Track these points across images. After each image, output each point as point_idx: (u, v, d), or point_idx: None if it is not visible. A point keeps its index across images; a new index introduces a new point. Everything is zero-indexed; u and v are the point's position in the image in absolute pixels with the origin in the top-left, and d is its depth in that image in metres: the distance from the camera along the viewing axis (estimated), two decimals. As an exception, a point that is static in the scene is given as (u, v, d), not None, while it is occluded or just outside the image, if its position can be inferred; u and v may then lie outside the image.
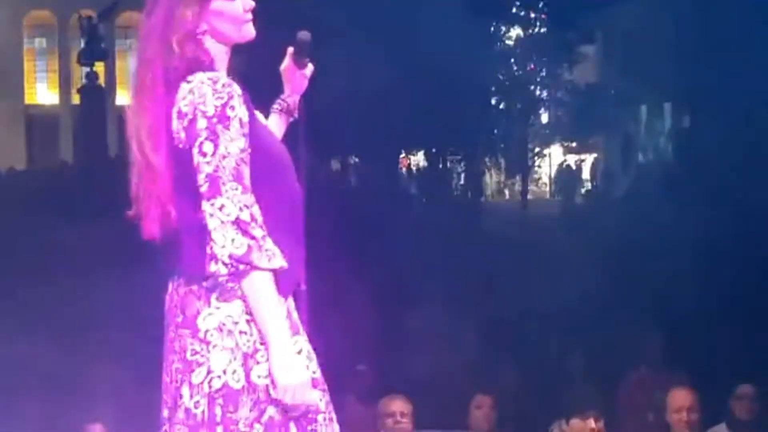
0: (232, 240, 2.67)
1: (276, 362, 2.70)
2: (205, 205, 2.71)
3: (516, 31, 34.58)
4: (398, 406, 6.11)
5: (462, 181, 34.66)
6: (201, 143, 2.73)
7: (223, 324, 2.74)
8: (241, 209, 2.70)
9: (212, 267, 2.69)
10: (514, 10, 33.77)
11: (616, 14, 33.92)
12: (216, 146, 2.72)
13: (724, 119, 25.62)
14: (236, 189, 2.70)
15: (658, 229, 14.37)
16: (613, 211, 22.23)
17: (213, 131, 2.72)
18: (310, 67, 3.22)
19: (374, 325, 8.71)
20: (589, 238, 15.23)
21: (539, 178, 38.49)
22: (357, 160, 30.86)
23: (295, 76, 3.22)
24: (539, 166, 38.53)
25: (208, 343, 2.74)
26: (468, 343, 9.35)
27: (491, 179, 37.36)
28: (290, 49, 3.19)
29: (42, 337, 8.79)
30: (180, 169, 2.79)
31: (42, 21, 48.27)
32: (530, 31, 34.42)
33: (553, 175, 38.64)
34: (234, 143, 2.73)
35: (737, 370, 7.06)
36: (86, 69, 24.42)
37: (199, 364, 2.74)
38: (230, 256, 2.66)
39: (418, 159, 36.25)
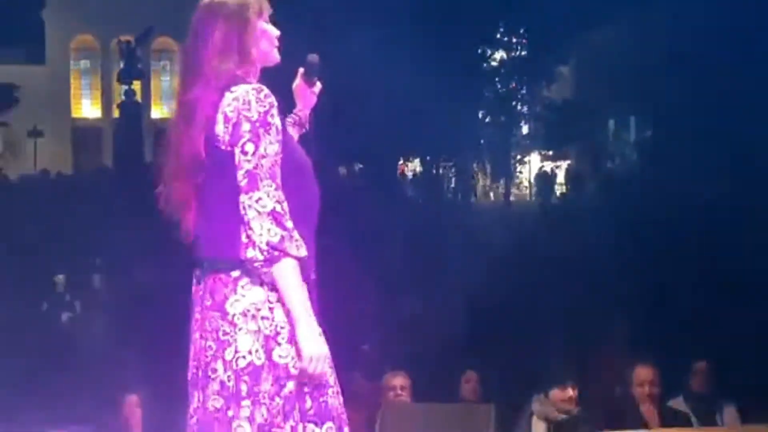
0: (269, 229, 2.70)
1: (302, 336, 2.73)
2: (244, 198, 2.73)
3: (500, 54, 34.61)
4: (399, 381, 6.10)
5: (453, 185, 34.72)
6: (244, 143, 2.75)
7: (248, 310, 2.75)
8: (276, 203, 2.73)
9: (249, 253, 2.72)
10: (498, 36, 33.81)
11: (587, 40, 33.95)
12: (257, 147, 2.75)
13: (681, 131, 25.65)
14: (271, 185, 2.74)
15: (622, 225, 14.38)
16: (584, 211, 22.21)
17: (255, 134, 2.75)
18: (318, 86, 3.21)
19: (376, 310, 8.68)
20: (564, 234, 15.23)
21: (520, 182, 38.56)
22: (361, 165, 30.89)
23: (306, 94, 3.22)
24: (520, 172, 38.65)
25: (235, 326, 2.75)
26: (458, 326, 9.34)
27: (478, 183, 37.38)
28: (301, 70, 3.19)
29: (87, 314, 8.78)
30: (216, 169, 2.81)
31: (86, 45, 48.30)
32: (512, 54, 34.48)
33: (532, 180, 38.67)
34: (271, 146, 2.77)
35: (693, 350, 7.02)
36: (125, 87, 24.44)
37: (230, 344, 2.75)
38: (267, 243, 2.69)
39: (415, 165, 36.32)
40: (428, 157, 34.25)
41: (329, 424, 2.79)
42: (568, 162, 38.56)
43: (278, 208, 2.73)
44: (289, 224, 2.74)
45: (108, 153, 38.41)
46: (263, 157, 2.75)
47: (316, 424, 2.77)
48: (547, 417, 5.88)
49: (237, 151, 2.75)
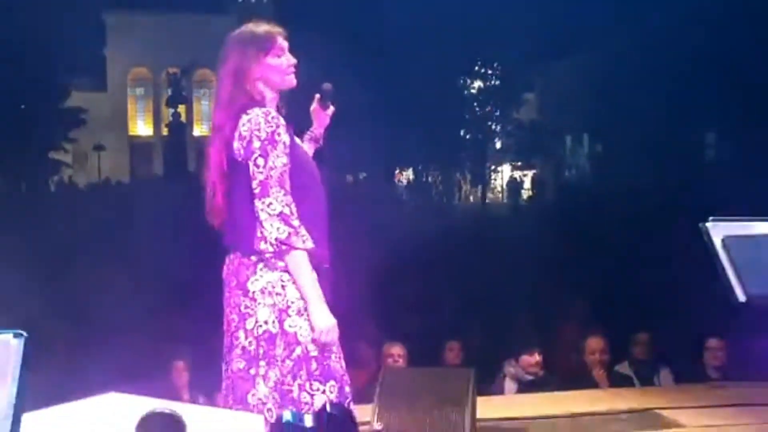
0: (278, 228, 2.74)
1: (313, 312, 2.77)
2: (258, 203, 2.76)
3: (477, 84, 34.61)
4: (396, 349, 6.10)
5: (439, 189, 34.70)
6: (256, 158, 2.77)
7: (265, 287, 2.78)
8: (283, 206, 2.75)
9: (262, 246, 2.76)
10: (476, 69, 33.86)
11: (549, 72, 34.03)
12: (266, 161, 2.77)
13: (623, 147, 25.68)
14: (280, 191, 2.76)
15: (577, 221, 14.43)
16: (546, 210, 22.23)
17: (264, 150, 2.77)
18: (331, 109, 3.20)
19: (377, 293, 8.66)
20: (530, 228, 15.23)
21: (494, 188, 38.54)
22: (365, 174, 30.90)
23: (321, 115, 3.21)
24: (494, 179, 38.65)
25: (255, 301, 2.78)
26: (444, 305, 9.33)
27: (460, 188, 37.33)
28: (317, 96, 3.19)
29: (138, 294, 8.74)
30: (236, 178, 2.83)
31: (141, 76, 48.31)
32: (487, 83, 34.49)
33: (504, 185, 38.65)
34: (279, 159, 2.78)
35: (635, 323, 7.00)
36: (172, 110, 24.48)
37: (250, 316, 2.78)
38: (276, 239, 2.74)
39: (409, 174, 36.32)
40: (419, 167, 34.37)
41: (332, 382, 2.80)
42: (534, 171, 38.58)
43: (286, 210, 2.75)
44: (296, 222, 2.75)
45: (158, 164, 38.50)
46: (272, 168, 2.76)
47: (320, 382, 2.78)
48: (518, 378, 5.90)
49: (251, 164, 2.77)
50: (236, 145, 2.80)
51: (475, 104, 34.51)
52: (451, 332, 7.43)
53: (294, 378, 2.76)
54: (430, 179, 34.78)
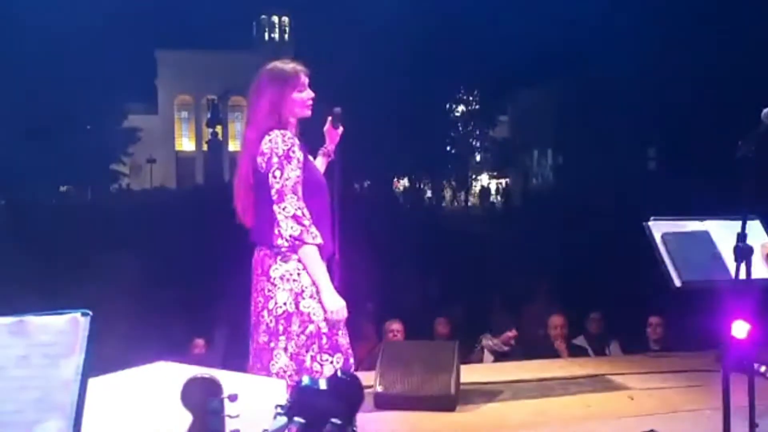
0: (291, 227, 2.76)
1: (325, 297, 2.77)
2: (275, 207, 2.78)
3: (460, 107, 34.63)
4: (395, 325, 6.07)
5: (429, 195, 34.72)
6: (274, 171, 2.79)
7: (283, 275, 2.78)
8: (296, 209, 2.77)
9: (279, 242, 2.77)
10: (459, 95, 33.90)
11: (519, 97, 34.04)
12: (282, 172, 2.78)
13: (582, 159, 25.65)
14: (293, 197, 2.77)
15: (543, 221, 14.39)
16: (517, 212, 22.21)
17: (281, 164, 2.79)
18: (341, 129, 3.18)
19: (380, 278, 8.64)
20: (504, 227, 15.23)
21: (475, 193, 38.48)
22: (369, 182, 30.87)
23: (332, 134, 3.19)
24: (475, 186, 38.62)
25: (275, 286, 2.78)
26: (434, 289, 9.32)
27: (446, 194, 37.30)
28: (329, 118, 3.17)
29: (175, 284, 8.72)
30: (260, 186, 2.85)
31: (185, 102, 48.28)
32: (469, 107, 34.50)
33: (482, 192, 38.63)
34: (293, 172, 2.79)
35: (590, 304, 6.97)
36: (211, 130, 24.40)
37: (271, 298, 2.79)
38: (290, 236, 2.75)
39: (404, 182, 36.28)
40: (413, 176, 34.33)
41: (338, 355, 2.81)
42: (506, 180, 38.58)
43: (298, 212, 2.76)
44: (307, 222, 2.76)
45: (200, 175, 38.43)
46: (287, 179, 2.77)
47: (329, 354, 2.79)
48: (494, 350, 5.89)
49: (270, 175, 2.78)
50: (259, 160, 2.82)
51: (459, 124, 34.57)
52: (440, 311, 7.43)
53: (307, 350, 2.77)
54: (422, 186, 34.84)
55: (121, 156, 32.72)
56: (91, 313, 1.61)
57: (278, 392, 2.57)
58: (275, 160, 2.79)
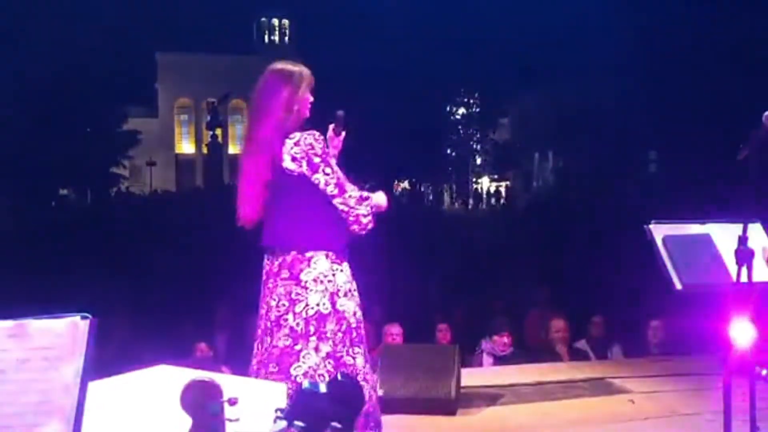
0: (366, 205, 2.86)
1: (378, 198, 2.93)
2: (338, 200, 2.83)
3: (461, 110, 34.65)
4: (395, 329, 6.05)
5: (430, 197, 34.71)
6: (323, 169, 2.81)
7: (317, 277, 2.79)
8: (357, 192, 2.88)
9: (360, 224, 2.86)
10: (460, 98, 33.92)
11: (520, 100, 34.02)
12: (331, 168, 2.84)
13: (584, 161, 25.66)
14: (350, 186, 2.87)
15: (544, 223, 14.37)
16: (518, 214, 22.19)
17: (326, 161, 2.83)
18: (343, 134, 3.19)
19: (380, 282, 8.62)
20: (505, 229, 15.21)
21: (476, 196, 38.54)
22: (369, 185, 30.90)
23: (335, 139, 3.19)
24: (476, 189, 38.63)
25: (306, 289, 2.78)
26: (435, 294, 9.30)
27: (447, 197, 37.32)
28: (332, 125, 3.16)
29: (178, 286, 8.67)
30: (288, 188, 2.83)
31: (185, 104, 48.39)
32: (470, 110, 34.52)
33: (483, 195, 38.64)
34: (335, 166, 2.87)
35: (592, 307, 6.94)
36: (211, 132, 24.32)
37: (300, 301, 2.78)
38: (371, 209, 2.87)
39: (405, 185, 36.32)
40: (413, 179, 34.30)
41: (363, 347, 2.88)
42: (507, 182, 38.60)
43: (356, 191, 2.87)
44: (364, 193, 2.89)
45: (199, 177, 38.45)
46: (335, 172, 2.84)
47: (358, 346, 2.85)
48: (493, 353, 5.88)
49: (319, 175, 2.80)
50: (292, 165, 2.79)
51: (460, 127, 34.66)
52: (440, 314, 7.41)
53: (344, 346, 2.81)
54: (422, 189, 34.84)
55: (120, 159, 32.74)
56: (90, 316, 1.62)
57: (278, 396, 2.57)
58: (317, 160, 2.81)
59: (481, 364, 5.79)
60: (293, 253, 2.82)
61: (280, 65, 2.97)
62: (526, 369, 5.22)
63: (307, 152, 2.79)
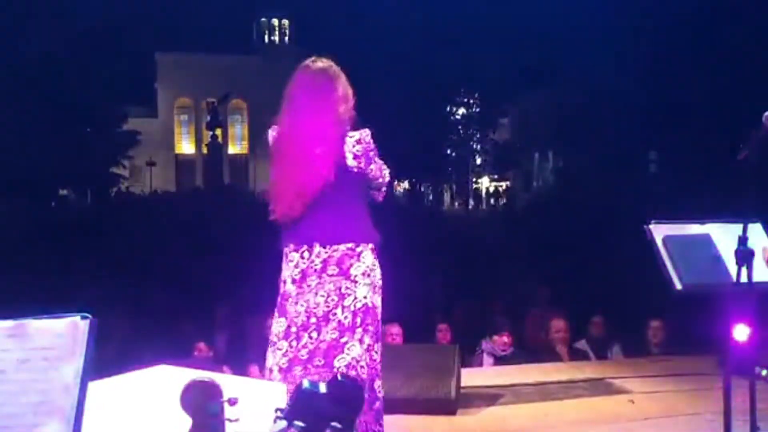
0: (392, 182, 3.06)
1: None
2: (384, 181, 3.00)
3: (461, 111, 34.63)
4: (395, 329, 6.03)
5: (430, 197, 34.70)
6: (375, 160, 2.92)
7: (365, 271, 2.82)
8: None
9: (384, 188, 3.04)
10: (460, 98, 33.90)
11: (520, 99, 34.01)
12: (383, 161, 2.96)
13: (584, 161, 25.65)
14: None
15: (544, 225, 14.36)
16: (518, 214, 22.18)
17: (376, 152, 2.93)
18: None
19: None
20: (505, 229, 15.21)
21: (476, 196, 38.57)
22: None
23: None
24: (476, 189, 38.63)
25: (355, 282, 2.80)
26: (435, 293, 9.29)
27: (447, 197, 37.32)
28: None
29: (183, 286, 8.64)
30: (348, 185, 2.85)
31: (185, 104, 48.36)
32: (469, 110, 34.50)
33: (483, 195, 38.63)
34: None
35: (592, 307, 6.96)
36: (210, 132, 24.30)
37: (349, 295, 2.79)
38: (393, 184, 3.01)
39: (405, 185, 36.31)
40: (413, 179, 34.27)
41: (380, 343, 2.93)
42: (507, 182, 38.60)
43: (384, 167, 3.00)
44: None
45: (199, 177, 38.42)
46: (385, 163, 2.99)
47: (379, 344, 2.88)
48: (493, 353, 5.88)
49: (373, 166, 2.90)
50: (353, 163, 2.84)
51: (460, 127, 34.64)
52: (440, 314, 7.40)
53: (375, 341, 2.85)
54: (422, 189, 34.82)
55: (120, 159, 32.74)
56: (90, 316, 1.62)
57: (278, 396, 2.57)
58: (372, 153, 2.90)
59: (481, 364, 5.79)
60: (342, 247, 2.82)
61: (322, 62, 2.96)
62: (526, 369, 5.22)
63: (366, 150, 2.86)
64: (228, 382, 2.36)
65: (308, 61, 2.98)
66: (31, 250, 11.16)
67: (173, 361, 2.90)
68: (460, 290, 9.11)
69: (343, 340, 2.78)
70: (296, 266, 2.84)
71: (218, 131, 25.06)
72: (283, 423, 1.63)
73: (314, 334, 2.81)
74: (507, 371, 5.20)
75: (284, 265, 2.89)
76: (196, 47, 43.95)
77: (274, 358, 2.83)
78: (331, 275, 2.81)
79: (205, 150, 31.27)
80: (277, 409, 1.66)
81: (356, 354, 2.77)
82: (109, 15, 26.31)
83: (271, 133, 2.96)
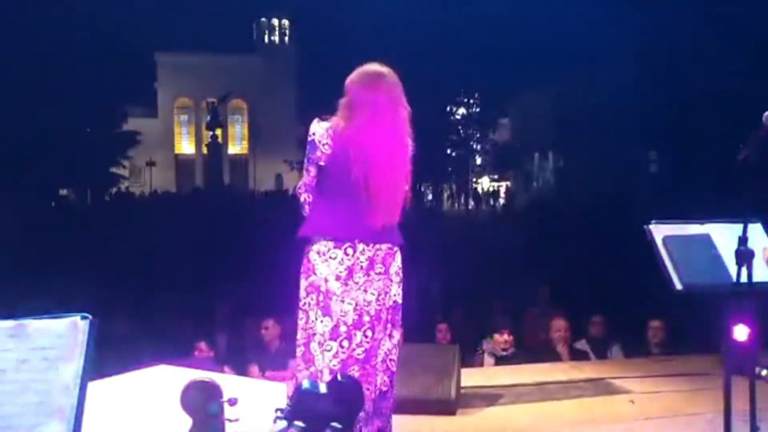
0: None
1: None
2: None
3: (461, 110, 34.61)
4: (394, 329, 6.02)
5: (430, 197, 34.71)
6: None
7: (397, 270, 2.86)
8: None
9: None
10: (460, 98, 33.88)
11: (520, 100, 34.03)
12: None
13: (584, 162, 25.66)
14: None
15: (544, 225, 14.37)
16: (518, 214, 22.19)
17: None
18: None
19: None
20: (504, 229, 15.21)
21: (475, 196, 38.55)
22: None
23: None
24: (476, 189, 38.63)
25: (391, 281, 2.83)
26: (435, 294, 9.29)
27: (447, 197, 37.32)
28: None
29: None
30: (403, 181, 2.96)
31: (185, 104, 48.38)
32: (470, 110, 34.48)
33: (483, 194, 38.64)
34: None
35: (592, 307, 6.96)
36: (210, 132, 24.36)
37: (388, 293, 2.81)
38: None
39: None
40: (413, 179, 34.35)
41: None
42: (507, 183, 38.61)
43: None
44: None
45: (199, 177, 38.46)
46: None
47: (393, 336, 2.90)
48: (493, 353, 5.88)
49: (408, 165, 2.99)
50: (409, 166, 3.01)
51: (460, 128, 34.59)
52: (440, 314, 7.39)
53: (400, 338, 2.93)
54: (422, 189, 34.82)
55: (120, 159, 32.74)
56: (90, 316, 1.62)
57: (278, 396, 2.57)
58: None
59: (481, 364, 5.79)
60: (384, 247, 2.83)
61: (383, 67, 3.00)
62: (526, 369, 5.22)
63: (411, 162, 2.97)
64: (228, 382, 2.36)
65: (380, 68, 2.97)
66: (31, 250, 11.17)
67: (173, 361, 2.90)
68: (460, 290, 9.11)
69: (379, 336, 2.85)
70: (341, 263, 2.77)
71: (218, 131, 25.07)
72: (283, 423, 1.64)
73: (369, 333, 2.78)
74: (507, 371, 5.20)
75: (319, 263, 2.77)
76: (196, 47, 43.95)
77: (323, 360, 2.73)
78: (379, 273, 2.81)
79: (205, 150, 31.36)
80: (277, 409, 1.66)
81: (386, 348, 2.83)
82: (109, 15, 26.30)
83: (329, 127, 2.85)
